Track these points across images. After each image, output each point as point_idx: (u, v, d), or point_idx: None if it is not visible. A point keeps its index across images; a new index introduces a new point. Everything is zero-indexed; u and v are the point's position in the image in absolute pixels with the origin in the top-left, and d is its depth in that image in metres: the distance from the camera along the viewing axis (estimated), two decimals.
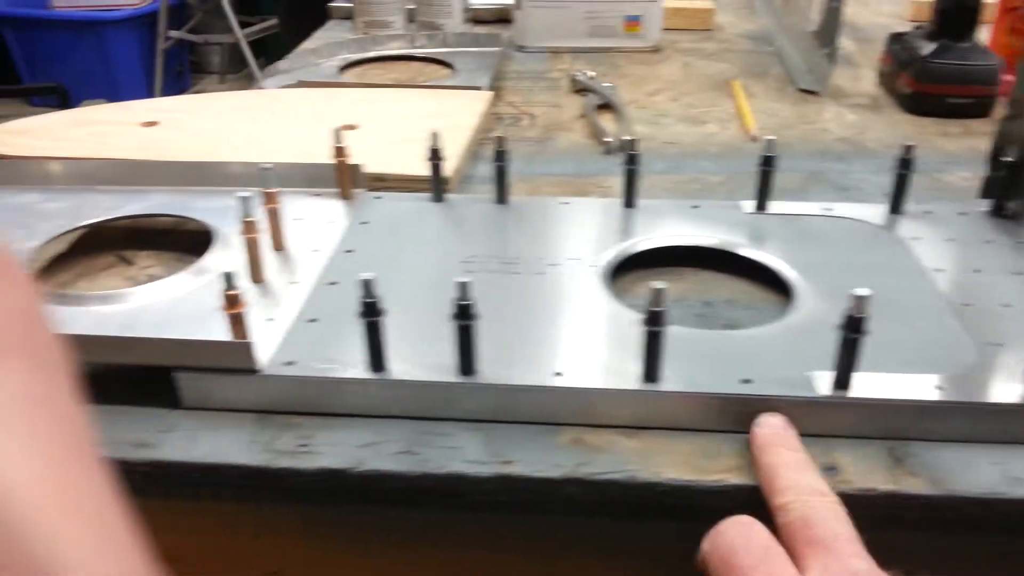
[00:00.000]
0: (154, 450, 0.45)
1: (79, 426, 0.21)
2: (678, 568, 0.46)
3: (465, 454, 0.44)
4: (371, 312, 0.45)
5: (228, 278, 0.45)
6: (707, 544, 0.39)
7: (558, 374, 0.46)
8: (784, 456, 0.42)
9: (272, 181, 0.57)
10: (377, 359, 0.46)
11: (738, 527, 0.38)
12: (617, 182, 0.75)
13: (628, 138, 0.82)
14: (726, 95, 1.00)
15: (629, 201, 0.65)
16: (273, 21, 3.50)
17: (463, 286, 0.44)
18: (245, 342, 0.46)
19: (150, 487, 0.45)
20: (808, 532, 0.37)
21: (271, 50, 3.57)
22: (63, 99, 2.61)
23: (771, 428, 0.43)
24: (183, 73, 3.90)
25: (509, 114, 0.94)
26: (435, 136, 0.64)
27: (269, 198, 0.57)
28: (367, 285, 0.44)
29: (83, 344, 0.48)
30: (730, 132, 0.88)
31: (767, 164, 0.63)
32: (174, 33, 3.55)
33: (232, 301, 0.45)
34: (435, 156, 0.64)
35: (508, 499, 0.44)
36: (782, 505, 0.39)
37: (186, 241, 0.66)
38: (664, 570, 0.45)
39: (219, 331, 0.49)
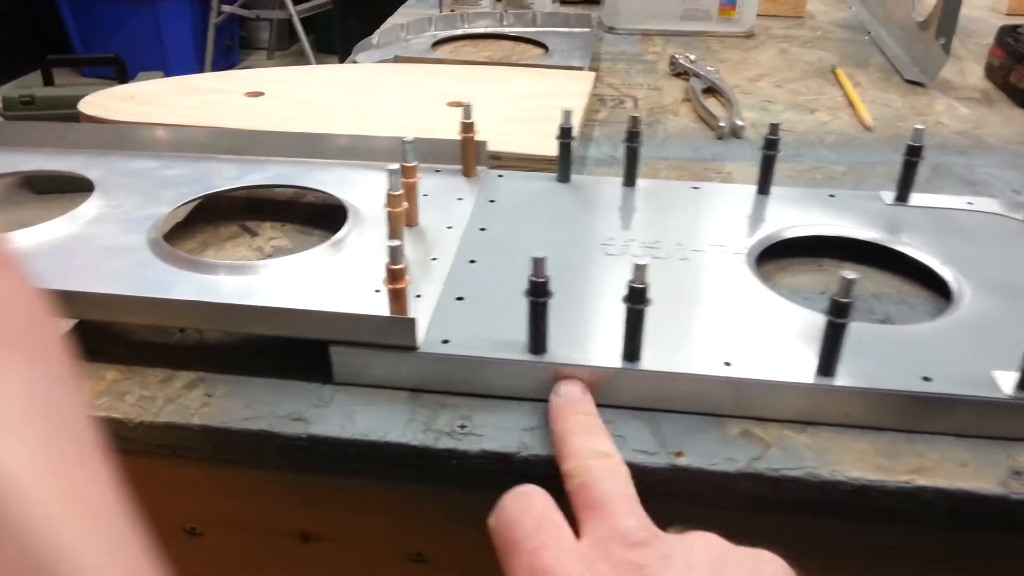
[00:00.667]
0: (311, 425, 0.44)
1: (82, 422, 0.20)
2: (854, 569, 0.44)
3: (632, 443, 0.43)
4: (539, 292, 0.43)
5: (394, 252, 0.43)
6: (492, 519, 0.37)
7: (727, 364, 0.44)
8: (573, 422, 0.41)
9: (411, 155, 0.55)
10: (539, 341, 0.45)
11: (517, 498, 0.37)
12: (737, 168, 0.74)
13: (740, 123, 0.80)
14: (830, 83, 0.97)
15: (764, 188, 0.63)
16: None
17: (640, 269, 0.42)
18: (409, 318, 0.44)
19: (305, 461, 0.44)
20: (586, 495, 0.36)
21: (320, 28, 3.56)
22: (120, 70, 2.61)
23: (567, 396, 0.43)
24: (233, 48, 3.90)
25: (611, 96, 0.92)
26: (566, 115, 0.62)
27: (407, 172, 0.55)
28: (538, 264, 0.43)
29: (230, 314, 0.47)
30: (842, 121, 0.86)
31: (913, 154, 0.60)
32: (227, 8, 3.55)
33: (396, 276, 0.44)
34: (565, 135, 0.63)
35: (679, 491, 0.42)
36: (567, 471, 0.38)
37: (306, 213, 0.65)
38: (839, 571, 0.44)
39: (370, 306, 0.48)
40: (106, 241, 0.54)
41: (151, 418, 0.44)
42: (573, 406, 0.42)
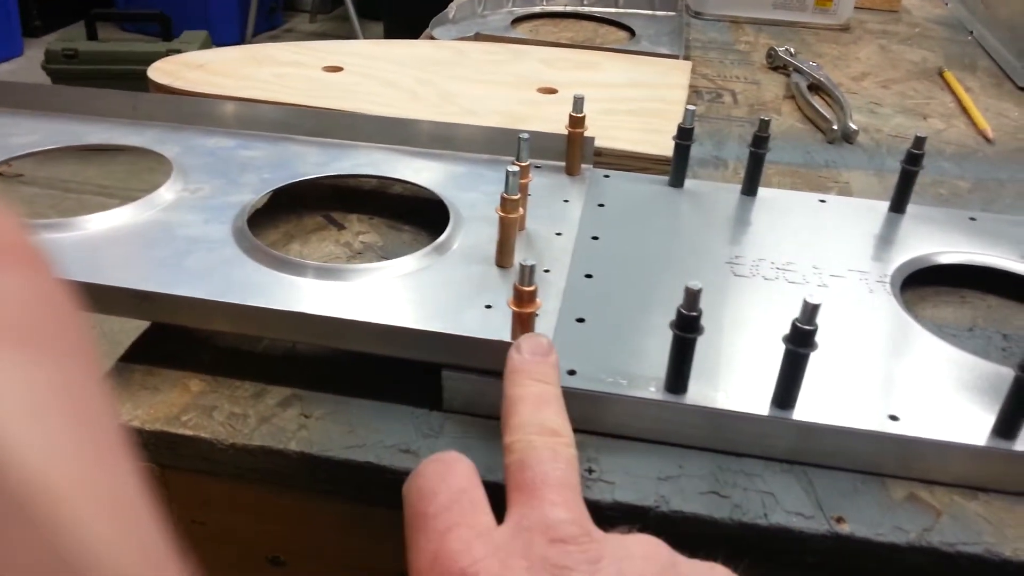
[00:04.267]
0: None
1: (107, 420, 0.19)
2: None
3: (783, 503, 0.38)
4: (689, 328, 0.38)
5: (526, 272, 0.38)
6: (406, 485, 0.32)
7: (893, 418, 0.39)
8: (527, 389, 0.35)
9: (526, 153, 0.50)
10: (682, 380, 0.40)
11: (437, 466, 0.32)
12: (854, 178, 0.68)
13: (853, 127, 0.74)
14: (938, 86, 0.91)
15: (899, 206, 0.57)
16: None
17: (811, 309, 0.36)
18: None
19: None
20: (520, 475, 0.31)
21: None
22: (165, 28, 2.56)
23: (528, 354, 0.36)
24: (276, 10, 3.84)
25: (707, 88, 0.86)
26: (689, 114, 0.56)
27: (521, 172, 0.50)
28: (691, 296, 0.37)
29: (331, 329, 0.42)
30: (958, 130, 0.79)
31: None
32: None
33: (526, 298, 0.39)
34: (685, 136, 0.57)
35: (840, 563, 0.37)
36: (508, 444, 0.32)
37: (394, 205, 0.60)
38: None
39: (484, 325, 0.43)
40: (187, 231, 0.49)
41: (244, 440, 0.39)
42: (531, 370, 0.36)
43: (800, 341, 0.37)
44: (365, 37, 3.47)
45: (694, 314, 0.38)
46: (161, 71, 0.72)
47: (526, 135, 0.50)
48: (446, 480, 0.31)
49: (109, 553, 0.16)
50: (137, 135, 0.62)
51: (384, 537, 0.42)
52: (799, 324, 0.37)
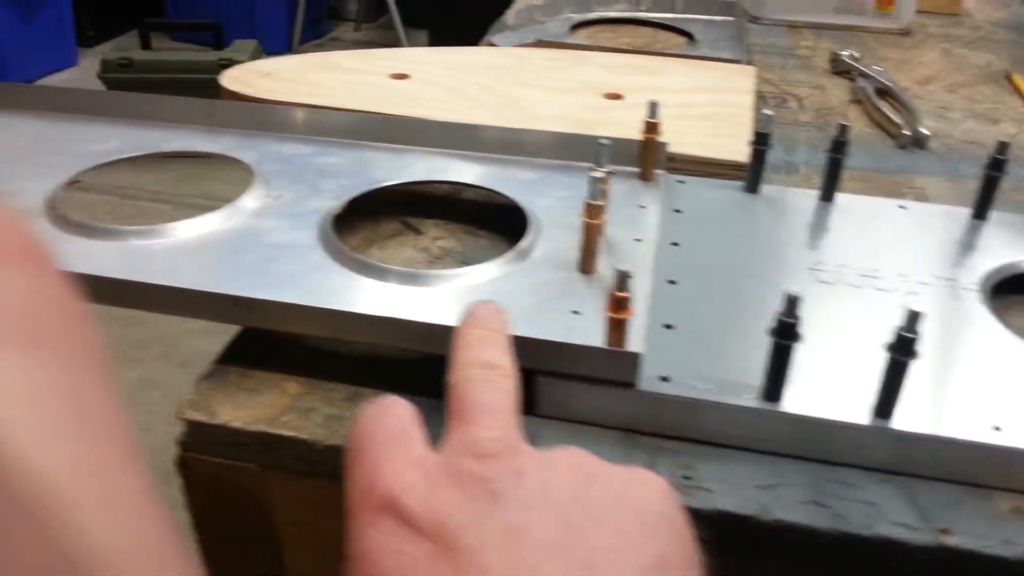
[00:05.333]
0: None
1: (114, 420, 0.19)
2: None
3: (888, 513, 0.37)
4: (788, 335, 0.37)
5: (623, 278, 0.38)
6: (349, 433, 0.31)
7: (996, 428, 0.38)
8: (472, 335, 0.34)
9: (606, 159, 0.50)
10: (776, 387, 0.39)
11: (375, 409, 0.31)
12: (929, 184, 0.67)
13: (925, 132, 0.73)
14: (1006, 91, 0.89)
15: (981, 212, 0.56)
16: None
17: (914, 317, 0.36)
18: (633, 353, 0.39)
19: None
20: (459, 407, 0.30)
21: (407, 1, 3.52)
22: (217, 37, 2.60)
23: (479, 315, 0.35)
24: (322, 19, 3.89)
25: (770, 94, 0.85)
26: (765, 119, 0.56)
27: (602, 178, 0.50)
28: (792, 303, 0.37)
29: (425, 334, 0.42)
30: None
31: None
32: None
33: (622, 304, 0.38)
34: (762, 141, 0.57)
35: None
36: (450, 385, 0.32)
37: (469, 210, 0.60)
38: None
39: (573, 331, 0.43)
40: (274, 237, 0.50)
41: (341, 441, 0.40)
42: (479, 322, 0.35)
43: (903, 350, 0.37)
44: (410, 45, 3.50)
45: (793, 321, 0.37)
46: (233, 79, 0.73)
47: (607, 141, 0.50)
48: (383, 421, 0.30)
49: (114, 552, 0.16)
50: (214, 142, 0.62)
51: None
52: (902, 332, 0.36)
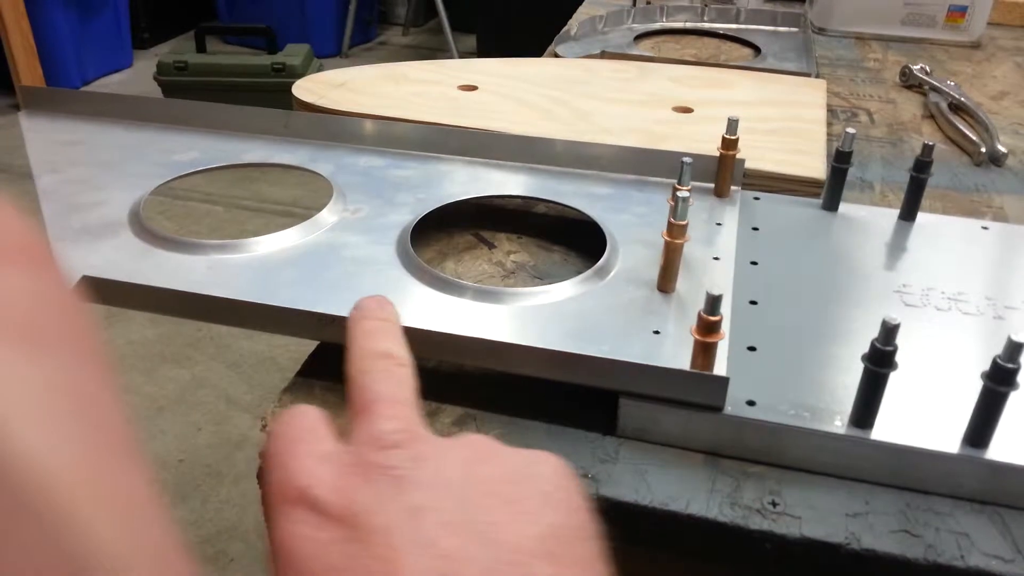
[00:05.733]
0: (602, 485, 0.39)
1: (118, 421, 0.19)
2: None
3: (980, 545, 0.37)
4: (883, 363, 0.37)
5: (714, 302, 0.38)
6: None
7: None
8: (364, 326, 0.34)
9: (688, 177, 0.50)
10: (868, 415, 0.39)
11: (285, 413, 0.31)
12: (1008, 202, 0.66)
13: (1002, 149, 0.72)
14: None
15: None
16: None
17: (1015, 347, 0.35)
18: (722, 377, 0.39)
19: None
20: (359, 399, 0.30)
21: (455, 6, 3.54)
22: (271, 42, 2.63)
23: (361, 309, 0.35)
24: (372, 23, 3.92)
25: (840, 107, 0.84)
26: (848, 137, 0.55)
27: None
28: (889, 331, 0.36)
29: (505, 354, 0.42)
30: None
31: None
32: None
33: (712, 328, 0.38)
34: (843, 160, 0.56)
35: None
36: (349, 376, 0.31)
37: (541, 224, 0.60)
38: None
39: (654, 351, 0.43)
40: (354, 252, 0.51)
41: None
42: (368, 315, 0.35)
43: (1002, 379, 0.36)
44: (458, 49, 3.51)
45: (890, 349, 0.37)
46: (305, 90, 0.74)
47: (689, 159, 0.50)
48: (291, 423, 0.31)
49: (116, 552, 0.16)
50: (289, 153, 0.63)
51: None
52: (1001, 362, 0.36)
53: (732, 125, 0.57)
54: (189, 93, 2.42)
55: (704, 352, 0.39)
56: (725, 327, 0.45)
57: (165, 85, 2.50)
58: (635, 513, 0.38)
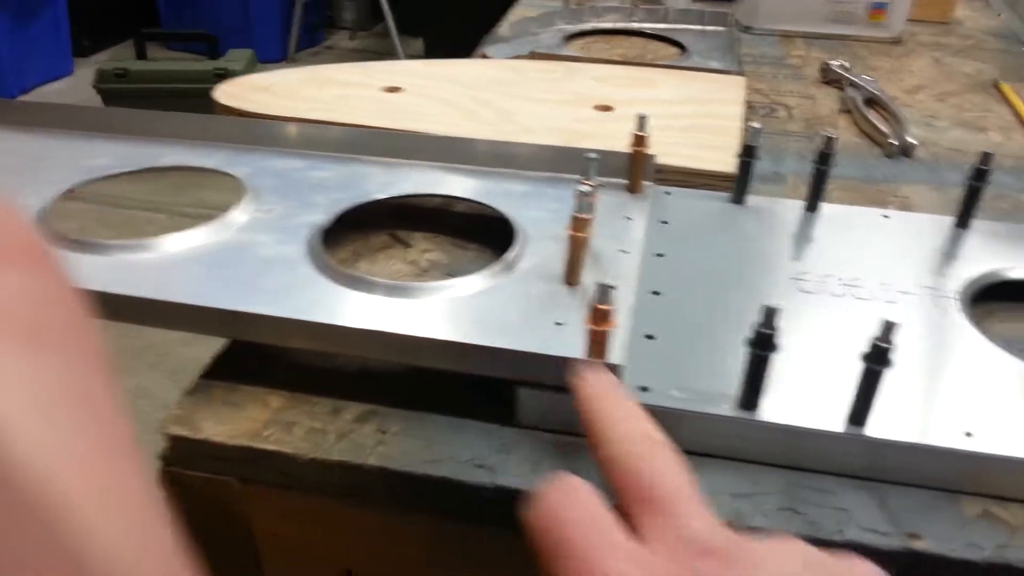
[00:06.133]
0: (498, 474, 0.40)
1: (118, 422, 0.19)
2: None
3: (858, 519, 0.38)
4: (765, 346, 0.38)
5: (605, 291, 0.39)
6: (530, 514, 0.31)
7: (968, 434, 0.39)
8: (611, 403, 0.35)
9: (594, 172, 0.51)
10: (753, 397, 0.40)
11: (561, 493, 0.31)
12: (915, 192, 0.68)
13: (912, 141, 0.74)
14: (994, 99, 0.90)
15: (964, 221, 0.57)
16: None
17: (889, 328, 0.37)
18: (614, 365, 0.40)
19: (488, 513, 0.40)
20: (640, 489, 0.30)
21: (403, 9, 3.54)
22: (212, 47, 2.61)
23: (596, 381, 0.36)
24: (318, 27, 3.90)
25: (760, 103, 0.86)
26: (754, 132, 0.57)
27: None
28: (769, 314, 0.38)
29: (408, 347, 0.43)
30: (1018, 143, 0.79)
31: None
32: None
33: (604, 317, 0.39)
34: (749, 153, 0.57)
35: None
36: (611, 458, 0.32)
37: (458, 223, 0.61)
38: None
39: (556, 342, 0.43)
40: (263, 251, 0.51)
41: (323, 455, 0.40)
42: (607, 390, 0.36)
43: (877, 359, 0.37)
44: (405, 53, 3.51)
45: (771, 332, 0.38)
46: (228, 94, 0.74)
47: (594, 155, 0.51)
48: (574, 505, 0.31)
49: (117, 553, 0.16)
50: (207, 157, 0.63)
51: (460, 552, 0.43)
52: (877, 342, 0.37)
53: (642, 122, 0.58)
54: (130, 101, 2.39)
55: (597, 341, 0.40)
56: (625, 318, 0.46)
57: (105, 93, 2.47)
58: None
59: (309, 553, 0.45)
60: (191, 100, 2.63)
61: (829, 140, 0.56)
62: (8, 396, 0.16)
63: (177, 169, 0.63)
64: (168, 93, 2.39)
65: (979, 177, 0.55)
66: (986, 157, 0.55)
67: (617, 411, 0.34)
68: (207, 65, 2.49)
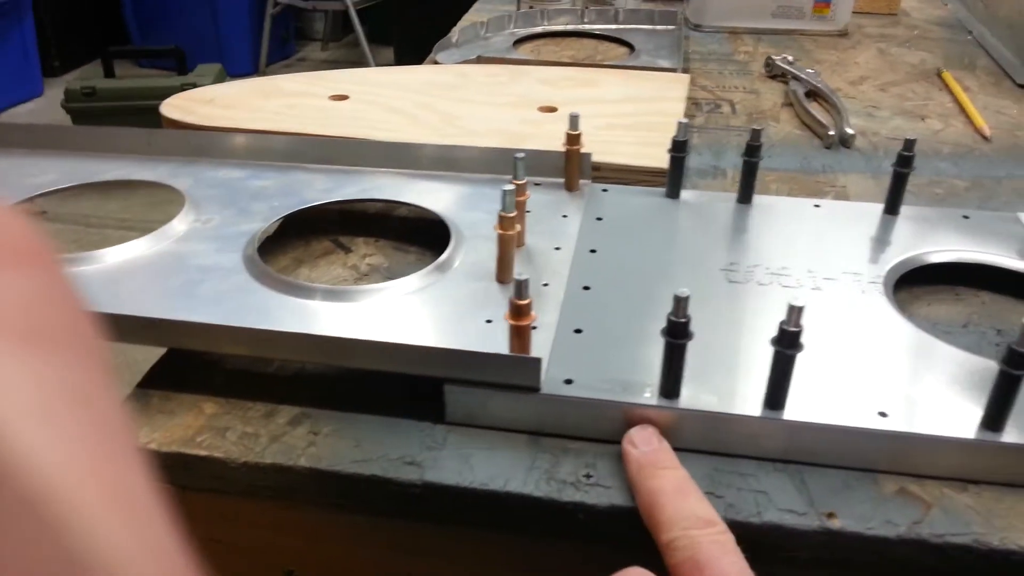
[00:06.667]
0: (426, 470, 0.40)
1: (119, 420, 0.19)
2: None
3: (776, 501, 0.39)
4: (679, 334, 0.39)
5: (521, 287, 0.40)
6: None
7: (883, 414, 0.40)
8: (664, 480, 0.37)
9: (522, 171, 0.52)
10: (673, 384, 0.41)
11: None
12: (851, 181, 0.69)
13: (850, 131, 0.76)
14: (937, 87, 0.92)
15: (892, 208, 0.58)
16: None
17: (795, 311, 0.38)
18: (534, 358, 0.41)
19: (418, 509, 0.41)
20: (692, 572, 0.33)
21: (373, 19, 3.55)
22: (180, 62, 2.61)
23: (647, 446, 0.39)
24: (288, 40, 3.90)
25: (705, 99, 0.87)
26: (682, 127, 0.58)
27: (518, 190, 0.52)
28: (679, 303, 0.39)
29: (338, 348, 0.44)
30: (956, 129, 0.80)
31: None
32: None
33: (521, 312, 0.40)
34: (679, 149, 0.58)
35: (832, 558, 0.38)
36: (669, 542, 0.34)
37: (400, 227, 0.62)
38: None
39: (485, 339, 0.44)
40: (200, 260, 0.51)
41: (255, 458, 0.41)
42: (656, 459, 0.39)
43: (786, 343, 0.38)
44: (376, 62, 3.51)
45: (683, 320, 0.39)
46: (173, 107, 0.75)
47: (521, 154, 0.52)
48: None
49: (120, 553, 0.16)
50: (151, 170, 0.64)
51: (391, 548, 0.44)
52: (785, 327, 0.38)
53: (573, 121, 0.59)
54: (98, 118, 2.39)
55: (518, 335, 0.41)
56: (554, 312, 0.47)
57: (74, 112, 2.47)
58: (457, 495, 0.40)
59: (249, 556, 0.46)
60: (159, 116, 2.62)
61: (756, 132, 0.57)
62: (8, 396, 0.16)
63: (121, 183, 0.63)
64: (136, 110, 2.38)
65: (903, 164, 0.56)
66: (908, 144, 0.56)
67: (671, 488, 0.37)
68: (175, 81, 2.48)
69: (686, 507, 0.36)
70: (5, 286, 0.18)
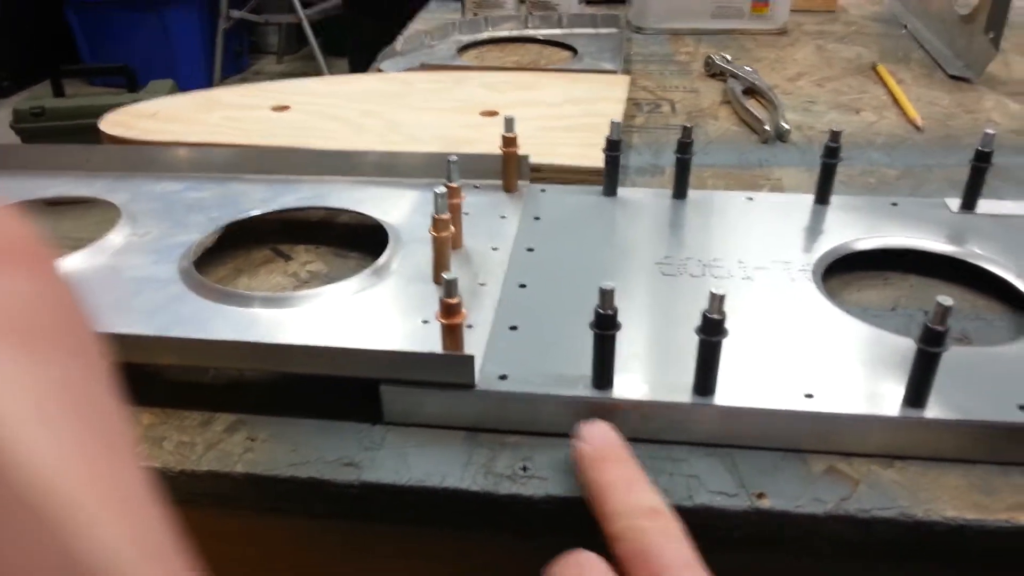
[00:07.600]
0: (364, 471, 0.41)
1: (117, 422, 0.20)
2: None
3: (707, 483, 0.40)
4: (607, 325, 0.40)
5: (449, 286, 0.40)
6: None
7: (809, 396, 0.41)
8: (612, 473, 0.37)
9: (456, 174, 0.52)
10: (605, 376, 0.42)
11: (572, 569, 0.33)
12: (786, 174, 0.70)
13: (786, 126, 0.77)
14: (872, 81, 0.94)
15: (823, 198, 0.59)
16: (335, 2, 3.47)
17: (716, 299, 0.39)
18: (466, 356, 0.41)
19: (357, 509, 0.41)
20: (645, 566, 0.33)
21: (328, 31, 3.54)
22: (130, 80, 2.59)
23: (598, 440, 0.39)
24: (242, 54, 3.88)
25: (646, 100, 0.89)
26: (615, 127, 0.59)
27: (452, 192, 0.52)
28: (605, 296, 0.40)
29: (272, 354, 0.44)
30: (889, 121, 0.82)
31: (982, 160, 0.57)
32: (236, 13, 3.53)
33: (452, 311, 0.41)
34: (613, 148, 0.59)
35: (761, 537, 0.39)
36: (615, 533, 0.34)
37: (341, 234, 0.62)
38: None
39: (421, 340, 0.45)
40: (136, 273, 0.51)
41: (192, 466, 0.41)
42: (607, 453, 0.38)
43: (710, 330, 0.39)
44: (331, 73, 3.51)
45: (610, 312, 0.40)
46: (113, 123, 0.75)
47: (454, 158, 0.52)
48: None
49: (117, 551, 0.17)
50: (88, 186, 0.64)
51: (334, 550, 0.44)
52: (707, 315, 0.39)
53: (509, 123, 0.60)
54: (48, 138, 2.36)
55: (450, 334, 0.41)
56: (490, 311, 0.48)
57: (23, 132, 2.43)
58: (395, 493, 0.40)
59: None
60: None
61: (686, 130, 0.58)
62: (7, 397, 0.16)
63: (58, 200, 0.63)
64: (86, 128, 2.34)
65: (831, 155, 0.58)
66: (834, 135, 0.57)
67: (619, 481, 0.37)
68: (125, 98, 2.46)
69: (632, 498, 0.36)
70: (3, 287, 0.19)
